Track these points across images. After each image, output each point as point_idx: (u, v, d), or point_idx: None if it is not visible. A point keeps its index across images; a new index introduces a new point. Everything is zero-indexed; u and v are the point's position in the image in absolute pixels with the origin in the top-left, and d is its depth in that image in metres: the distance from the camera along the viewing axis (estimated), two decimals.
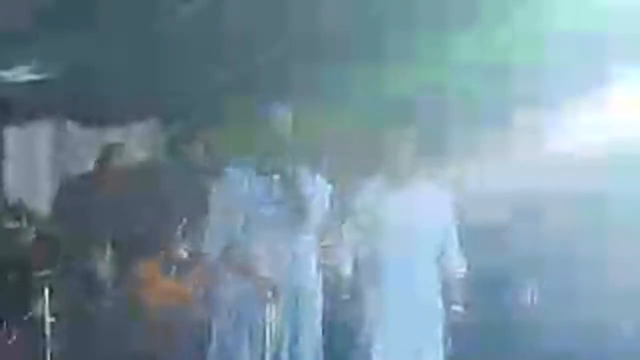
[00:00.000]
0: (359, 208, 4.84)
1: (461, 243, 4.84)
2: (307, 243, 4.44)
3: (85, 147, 7.83)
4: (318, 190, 4.46)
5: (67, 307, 5.98)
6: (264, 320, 4.27)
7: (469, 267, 4.86)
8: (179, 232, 6.38)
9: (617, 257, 6.21)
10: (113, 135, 7.77)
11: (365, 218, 4.79)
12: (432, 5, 5.84)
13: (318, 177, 4.51)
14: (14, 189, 7.91)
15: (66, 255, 6.30)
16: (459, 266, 4.83)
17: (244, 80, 7.06)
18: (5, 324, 6.26)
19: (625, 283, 6.07)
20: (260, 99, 4.78)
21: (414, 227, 4.67)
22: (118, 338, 5.84)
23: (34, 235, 7.04)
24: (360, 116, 7.67)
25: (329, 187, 4.56)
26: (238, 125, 6.57)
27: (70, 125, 8.13)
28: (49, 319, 5.74)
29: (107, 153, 6.81)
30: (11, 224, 7.18)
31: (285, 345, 4.34)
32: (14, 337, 6.03)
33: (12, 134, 7.94)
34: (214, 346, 4.40)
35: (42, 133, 8.18)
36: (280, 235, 4.34)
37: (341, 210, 4.98)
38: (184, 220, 6.34)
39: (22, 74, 6.58)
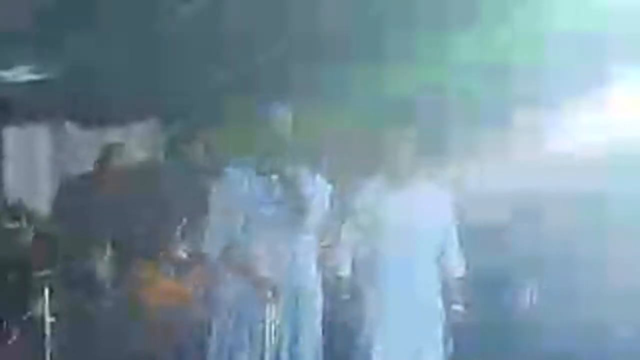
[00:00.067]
0: (359, 208, 4.84)
1: (461, 243, 4.84)
2: (307, 243, 4.44)
3: (85, 147, 7.83)
4: (318, 190, 4.46)
5: (67, 307, 5.98)
6: (264, 320, 4.26)
7: (469, 267, 4.86)
8: (178, 232, 6.38)
9: (617, 257, 6.21)
10: (113, 135, 7.77)
11: (365, 218, 4.79)
12: (432, 5, 5.83)
13: (318, 177, 4.51)
14: (14, 189, 7.92)
15: (66, 255, 6.29)
16: (458, 265, 4.83)
17: (244, 80, 7.06)
18: (5, 323, 6.27)
19: (625, 283, 6.07)
20: (260, 99, 4.78)
21: (414, 227, 4.67)
22: (118, 338, 5.84)
23: (33, 235, 7.04)
24: (360, 116, 7.67)
25: (329, 187, 4.55)
26: (238, 125, 6.57)
27: (70, 126, 8.14)
28: (48, 319, 5.74)
29: (107, 153, 6.81)
30: (11, 224, 7.18)
31: (285, 345, 4.33)
32: (14, 337, 6.03)
33: (12, 134, 7.95)
34: (214, 346, 4.40)
35: (41, 133, 8.19)
36: (280, 235, 4.34)
37: (341, 210, 4.98)
38: (184, 220, 6.34)
39: (22, 74, 6.59)
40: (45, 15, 5.36)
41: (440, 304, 4.77)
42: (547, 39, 6.18)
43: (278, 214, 4.34)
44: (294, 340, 4.36)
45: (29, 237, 7.04)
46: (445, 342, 4.77)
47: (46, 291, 5.76)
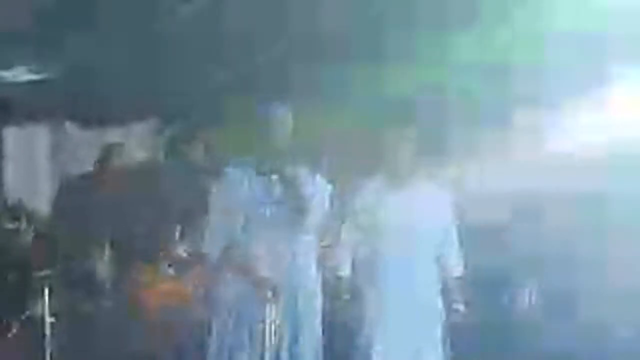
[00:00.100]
0: (358, 208, 4.84)
1: (461, 243, 4.84)
2: (307, 243, 4.44)
3: (85, 147, 7.83)
4: (318, 190, 4.46)
5: (67, 307, 5.98)
6: (263, 320, 4.27)
7: (469, 268, 4.86)
8: (178, 232, 6.37)
9: (617, 257, 6.21)
10: (113, 135, 7.77)
11: (365, 218, 4.79)
12: (432, 5, 5.83)
13: (318, 177, 4.51)
14: (14, 189, 7.92)
15: (66, 255, 6.29)
16: (457, 265, 4.82)
17: (244, 80, 7.06)
18: (4, 323, 6.27)
19: (625, 283, 6.07)
20: (260, 99, 4.77)
21: (414, 227, 4.67)
22: (118, 338, 5.84)
23: (33, 235, 7.05)
24: (360, 116, 7.66)
25: (329, 187, 4.56)
26: (238, 125, 6.57)
27: (70, 126, 8.14)
28: (48, 319, 5.74)
29: (107, 153, 6.80)
30: (11, 224, 7.18)
31: (285, 345, 4.33)
32: (14, 336, 6.03)
33: (11, 134, 7.95)
34: (214, 346, 4.40)
35: (41, 133, 8.19)
36: (280, 235, 4.34)
37: (341, 210, 4.98)
38: (184, 220, 6.34)
39: (21, 73, 6.59)
40: (45, 15, 5.35)
41: (440, 304, 4.77)
42: (547, 39, 6.17)
43: (278, 213, 4.35)
44: (294, 340, 4.36)
45: (29, 237, 7.05)
46: (445, 342, 4.77)
47: (46, 291, 5.75)
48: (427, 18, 6.01)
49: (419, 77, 7.03)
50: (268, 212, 4.35)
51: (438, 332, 4.74)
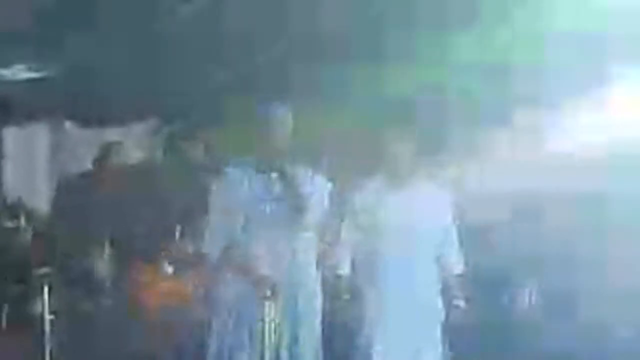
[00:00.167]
0: (358, 208, 4.83)
1: (461, 243, 4.84)
2: (307, 240, 4.44)
3: (84, 146, 7.83)
4: (317, 188, 4.46)
5: (66, 305, 5.98)
6: (263, 319, 4.26)
7: (469, 267, 4.85)
8: (178, 232, 6.37)
9: (617, 257, 6.21)
10: (112, 135, 7.77)
11: (365, 218, 4.78)
12: (432, 5, 5.83)
13: (317, 176, 4.51)
14: (13, 188, 7.93)
15: (65, 253, 6.29)
16: (457, 262, 4.82)
17: (244, 80, 7.06)
18: (4, 322, 6.28)
19: (625, 283, 6.07)
20: (260, 99, 4.77)
21: (414, 227, 4.66)
22: (117, 336, 5.84)
23: (32, 234, 7.05)
24: (360, 116, 7.67)
25: (329, 185, 4.55)
26: (238, 125, 6.57)
27: (70, 125, 8.14)
28: (48, 317, 5.74)
29: (106, 152, 6.80)
30: (10, 223, 7.19)
31: (285, 344, 4.33)
32: (14, 334, 6.04)
33: (11, 133, 7.95)
34: (214, 346, 4.40)
35: (41, 132, 8.20)
36: (279, 232, 4.34)
37: (341, 210, 4.98)
38: (184, 220, 6.34)
39: (21, 72, 6.59)
40: (45, 15, 5.35)
41: (440, 304, 4.77)
42: (547, 39, 6.17)
43: (277, 210, 4.34)
44: (294, 339, 4.36)
45: (28, 235, 7.06)
46: (445, 342, 4.77)
47: (45, 289, 5.75)
48: (427, 18, 6.01)
49: (419, 77, 7.04)
50: (268, 209, 4.35)
51: (438, 332, 4.74)
